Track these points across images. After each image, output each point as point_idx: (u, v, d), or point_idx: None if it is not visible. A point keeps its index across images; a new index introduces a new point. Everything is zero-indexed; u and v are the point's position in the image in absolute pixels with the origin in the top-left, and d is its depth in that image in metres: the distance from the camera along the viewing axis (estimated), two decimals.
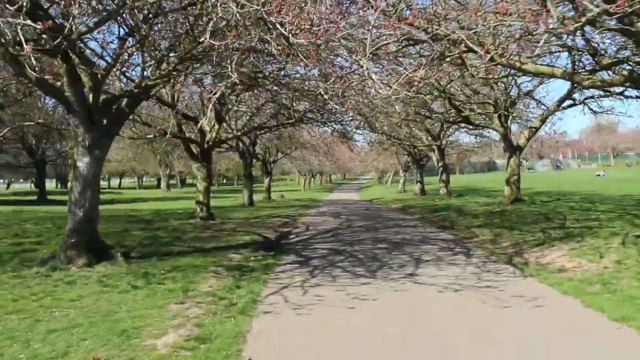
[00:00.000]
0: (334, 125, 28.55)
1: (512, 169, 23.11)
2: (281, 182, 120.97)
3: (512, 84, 21.70)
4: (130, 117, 19.08)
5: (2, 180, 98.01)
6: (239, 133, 24.29)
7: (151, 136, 23.16)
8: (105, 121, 11.63)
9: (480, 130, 36.06)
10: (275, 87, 22.98)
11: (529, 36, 10.77)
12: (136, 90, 11.69)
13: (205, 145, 22.29)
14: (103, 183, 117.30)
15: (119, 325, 6.57)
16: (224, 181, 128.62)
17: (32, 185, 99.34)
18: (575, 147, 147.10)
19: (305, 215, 26.95)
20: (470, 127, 35.91)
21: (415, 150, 44.31)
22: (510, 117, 22.84)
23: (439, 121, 24.55)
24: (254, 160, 43.11)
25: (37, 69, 12.02)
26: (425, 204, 30.62)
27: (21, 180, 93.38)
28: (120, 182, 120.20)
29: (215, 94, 10.27)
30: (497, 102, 22.30)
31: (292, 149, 45.96)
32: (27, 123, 24.72)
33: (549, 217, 17.57)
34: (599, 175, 79.78)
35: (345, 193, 70.07)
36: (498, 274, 9.94)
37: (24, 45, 6.54)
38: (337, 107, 24.45)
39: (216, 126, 22.33)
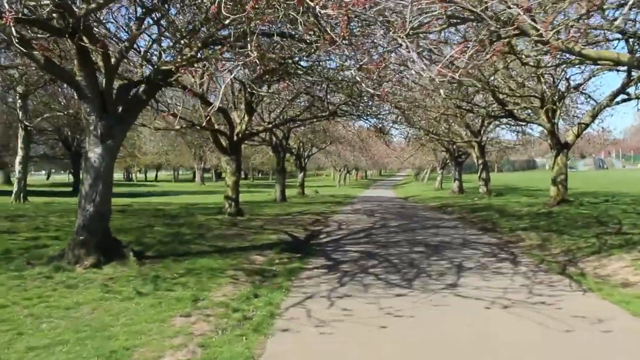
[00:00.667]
0: (370, 120, 27.46)
1: (559, 168, 21.64)
2: (316, 178, 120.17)
3: (561, 76, 20.21)
4: (154, 106, 18.33)
5: (42, 172, 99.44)
6: (270, 125, 23.31)
7: (178, 127, 22.34)
8: (120, 109, 10.74)
9: (523, 127, 34.52)
10: (308, 78, 22.16)
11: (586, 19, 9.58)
12: (154, 77, 10.79)
13: (235, 138, 21.39)
14: (139, 175, 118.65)
15: (109, 344, 5.59)
16: (259, 175, 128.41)
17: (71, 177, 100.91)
18: (619, 146, 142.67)
19: (338, 212, 25.89)
20: (513, 122, 34.45)
21: (454, 146, 42.87)
22: (559, 112, 21.34)
23: (482, 116, 23.08)
24: (288, 154, 42.29)
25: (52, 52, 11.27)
26: (464, 203, 29.26)
27: (61, 172, 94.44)
28: (156, 174, 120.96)
29: (231, 71, 9.22)
30: (543, 96, 20.85)
31: (326, 144, 44.91)
32: (54, 113, 24.11)
33: (601, 221, 16.16)
34: None
35: (380, 189, 68.78)
36: (552, 287, 8.72)
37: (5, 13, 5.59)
38: (371, 91, 23.42)
39: (246, 118, 21.40)
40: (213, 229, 16.23)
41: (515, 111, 21.14)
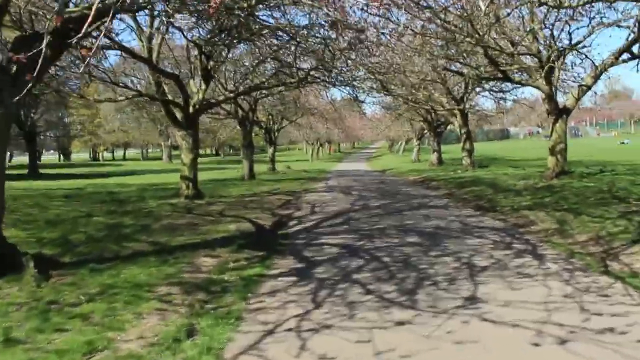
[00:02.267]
0: (344, 88, 24.87)
1: (557, 136, 19.27)
2: (288, 152, 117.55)
3: (562, 29, 17.63)
4: (86, 72, 15.40)
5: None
6: (231, 95, 20.47)
7: (122, 98, 19.44)
8: (13, 68, 7.95)
9: (504, 93, 32.24)
10: (274, 41, 19.51)
11: None
12: (57, 25, 7.99)
13: (191, 110, 18.59)
14: (107, 155, 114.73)
15: None
16: (230, 151, 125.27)
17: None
18: (590, 114, 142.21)
19: (311, 190, 23.32)
20: (497, 89, 32.10)
21: (433, 116, 40.50)
22: (558, 73, 18.87)
23: (471, 78, 20.48)
24: (257, 128, 39.48)
25: None
26: (449, 177, 26.89)
27: (26, 153, 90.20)
28: (124, 153, 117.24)
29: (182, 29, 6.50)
30: (540, 56, 18.36)
31: (297, 116, 42.18)
32: None
33: (617, 196, 13.86)
34: (623, 143, 75.85)
35: (355, 163, 66.29)
36: (606, 298, 6.28)
37: None
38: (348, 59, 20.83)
39: (203, 86, 18.59)
40: (162, 217, 13.56)
41: (509, 72, 18.58)
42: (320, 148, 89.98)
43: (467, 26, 15.14)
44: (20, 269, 7.42)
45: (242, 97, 28.39)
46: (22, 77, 8.05)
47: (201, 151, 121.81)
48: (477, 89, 32.22)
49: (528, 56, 19.23)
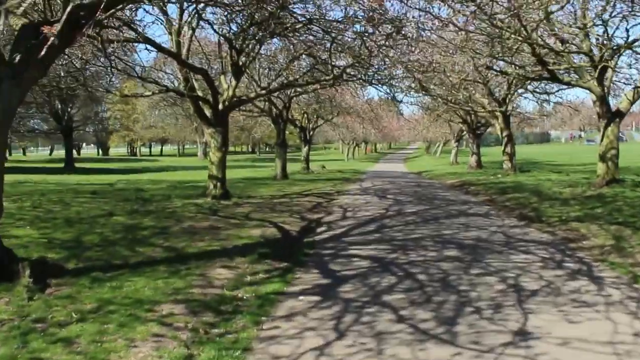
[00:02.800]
0: (380, 87, 24.00)
1: (609, 141, 17.97)
2: (324, 151, 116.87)
3: (617, 27, 16.42)
4: (107, 65, 14.74)
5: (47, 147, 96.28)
6: (263, 91, 19.69)
7: (149, 93, 18.83)
8: (17, 57, 7.27)
9: (548, 96, 30.83)
10: (309, 36, 18.75)
11: None
12: (68, 13, 7.27)
13: (220, 106, 17.90)
14: (144, 150, 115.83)
15: None
16: (266, 149, 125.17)
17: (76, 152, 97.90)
18: (636, 118, 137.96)
19: (344, 192, 22.42)
20: (540, 90, 30.74)
21: (472, 117, 39.22)
22: (611, 73, 17.58)
23: (516, 77, 19.16)
24: (292, 127, 38.78)
25: None
26: (489, 181, 25.70)
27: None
28: (161, 149, 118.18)
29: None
30: (592, 55, 17.12)
31: (333, 115, 41.29)
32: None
33: None
34: None
35: (391, 164, 65.20)
36: None
37: None
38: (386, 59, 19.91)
39: (233, 82, 17.86)
40: (184, 219, 12.84)
41: (558, 71, 17.35)
42: (357, 148, 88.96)
43: (514, 22, 14.07)
44: (15, 277, 6.73)
45: (275, 94, 27.71)
46: (23, 69, 7.41)
47: (237, 148, 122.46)
48: (520, 90, 30.85)
49: (577, 55, 18.00)
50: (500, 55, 15.73)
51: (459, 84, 27.18)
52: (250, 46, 17.51)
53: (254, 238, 10.65)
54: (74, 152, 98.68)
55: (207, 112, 17.89)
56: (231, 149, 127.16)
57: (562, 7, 15.31)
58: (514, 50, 15.51)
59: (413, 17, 15.62)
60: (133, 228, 11.50)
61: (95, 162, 68.98)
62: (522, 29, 14.29)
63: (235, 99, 18.46)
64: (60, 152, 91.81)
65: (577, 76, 17.86)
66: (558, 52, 16.34)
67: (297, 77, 20.92)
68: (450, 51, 19.12)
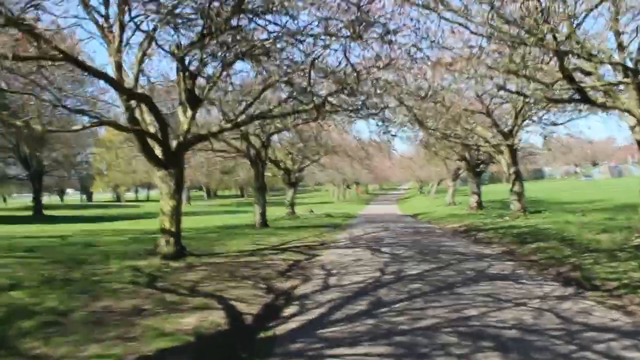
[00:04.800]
0: (370, 120, 20.76)
1: None
2: (315, 194, 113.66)
3: None
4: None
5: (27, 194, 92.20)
6: (228, 125, 16.15)
7: (78, 128, 15.26)
8: None
9: (562, 125, 27.60)
10: (286, 61, 15.67)
11: None
12: None
13: (174, 143, 14.46)
14: (130, 195, 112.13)
15: None
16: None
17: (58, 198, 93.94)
18: (629, 152, 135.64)
19: (330, 244, 18.82)
20: (546, 122, 27.58)
21: (471, 153, 36.00)
22: None
23: (539, 99, 15.59)
24: (277, 168, 35.44)
25: None
26: (498, 225, 22.20)
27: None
28: (147, 194, 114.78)
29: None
30: (626, 68, 13.81)
31: (320, 155, 37.96)
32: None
33: None
34: None
35: (383, 205, 61.77)
36: None
37: None
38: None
39: (189, 113, 14.44)
40: (106, 294, 9.18)
41: (589, 92, 13.96)
42: (347, 189, 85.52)
43: (540, 26, 10.77)
44: None
45: (253, 131, 24.35)
46: None
47: (225, 192, 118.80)
48: (525, 122, 27.56)
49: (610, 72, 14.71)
50: (521, 66, 12.30)
51: (458, 115, 23.98)
52: (210, 69, 14.21)
53: (179, 337, 6.94)
54: (59, 198, 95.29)
55: (158, 150, 14.42)
56: (219, 192, 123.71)
57: (591, 10, 12.08)
58: (539, 61, 12.11)
59: (411, 19, 12.43)
60: (20, 313, 7.87)
61: (75, 209, 65.19)
62: (551, 35, 11.01)
63: (191, 135, 15.00)
64: (48, 199, 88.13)
65: (610, 97, 14.45)
66: (591, 64, 12.93)
67: (271, 107, 17.56)
68: (453, 72, 15.90)
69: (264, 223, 26.13)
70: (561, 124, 27.70)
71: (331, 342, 6.71)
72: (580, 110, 23.56)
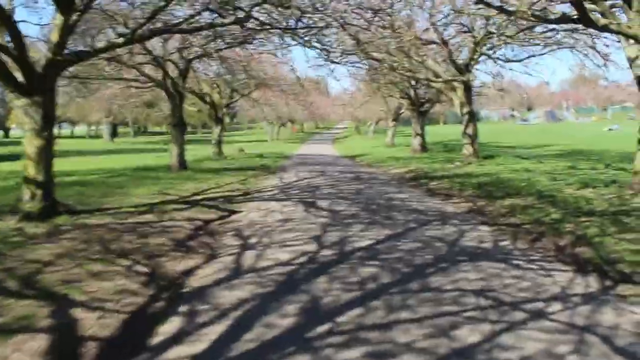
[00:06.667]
0: (307, 44, 17.35)
1: None
2: (248, 132, 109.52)
3: None
4: None
5: None
6: (120, 39, 12.20)
7: None
8: None
9: (519, 62, 24.86)
10: None
11: None
12: None
13: (42, 63, 10.59)
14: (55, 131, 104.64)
15: None
16: (189, 129, 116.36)
17: None
18: (563, 98, 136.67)
19: (255, 194, 15.52)
20: (501, 58, 24.77)
21: (417, 91, 33.07)
22: None
23: (526, 17, 12.15)
24: (202, 103, 31.56)
25: None
26: (451, 172, 19.37)
27: None
28: (72, 131, 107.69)
29: None
30: None
31: (250, 89, 34.12)
32: None
33: None
34: (611, 129, 69.78)
35: (319, 145, 58.61)
36: None
37: None
38: None
39: (59, 19, 10.51)
40: None
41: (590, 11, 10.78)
42: (282, 128, 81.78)
43: None
44: None
45: (167, 57, 20.42)
46: None
47: (156, 129, 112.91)
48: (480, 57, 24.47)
49: None
50: None
51: (409, 44, 20.71)
52: None
53: None
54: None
55: (19, 74, 10.49)
56: (157, 128, 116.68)
57: None
58: None
59: None
60: None
61: None
62: None
63: (66, 52, 11.10)
64: None
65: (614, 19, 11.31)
66: None
67: (181, 20, 13.71)
68: None
69: (182, 165, 22.42)
70: (518, 60, 24.89)
71: None
72: (547, 44, 20.76)
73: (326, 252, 7.99)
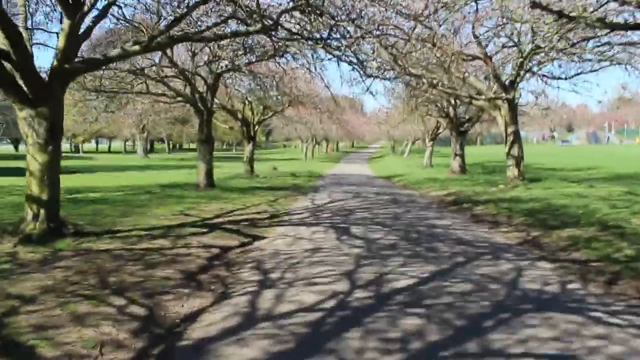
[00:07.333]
0: (341, 56, 16.13)
1: None
2: (283, 150, 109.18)
3: None
4: None
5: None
6: (136, 47, 11.11)
7: None
8: None
9: (567, 80, 23.25)
10: None
11: None
12: None
13: (51, 71, 9.62)
14: (90, 146, 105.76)
15: None
16: (223, 146, 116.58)
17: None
18: (605, 119, 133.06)
19: (283, 217, 14.31)
20: (547, 75, 23.19)
21: (456, 110, 31.62)
22: None
23: (591, 23, 10.60)
24: (234, 119, 30.67)
25: None
26: (495, 196, 17.89)
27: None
28: (109, 145, 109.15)
29: None
30: None
31: (283, 106, 33.12)
32: None
33: None
34: None
35: (354, 165, 57.36)
36: None
37: None
38: None
39: (65, 23, 9.52)
40: None
41: None
42: (317, 147, 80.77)
43: None
44: None
45: (194, 71, 19.47)
46: None
47: (193, 145, 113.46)
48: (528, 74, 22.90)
49: None
50: None
51: (450, 60, 19.31)
52: None
53: None
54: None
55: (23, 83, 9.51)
56: (185, 146, 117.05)
57: None
58: None
59: None
60: None
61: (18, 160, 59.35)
62: None
63: (76, 60, 10.09)
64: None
65: None
66: None
67: (203, 28, 12.66)
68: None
69: (210, 183, 21.41)
70: (565, 78, 23.26)
71: None
72: (601, 59, 19.26)
73: (360, 294, 6.67)
